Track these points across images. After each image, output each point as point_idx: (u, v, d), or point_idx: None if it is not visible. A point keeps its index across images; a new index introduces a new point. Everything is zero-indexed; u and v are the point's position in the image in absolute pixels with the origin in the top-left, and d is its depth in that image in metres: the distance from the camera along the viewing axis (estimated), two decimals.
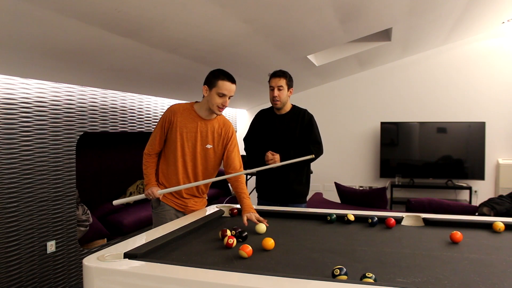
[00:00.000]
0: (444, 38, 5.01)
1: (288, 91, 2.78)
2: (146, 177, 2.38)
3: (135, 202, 4.74)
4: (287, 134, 2.79)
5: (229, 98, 2.28)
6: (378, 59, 5.24)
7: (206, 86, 2.28)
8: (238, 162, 2.39)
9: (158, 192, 2.29)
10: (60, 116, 3.03)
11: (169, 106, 2.40)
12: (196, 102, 2.39)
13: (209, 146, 2.38)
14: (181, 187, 2.30)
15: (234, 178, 2.33)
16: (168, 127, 2.35)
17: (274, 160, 2.68)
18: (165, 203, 2.42)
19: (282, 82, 2.74)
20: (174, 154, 2.36)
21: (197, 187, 2.44)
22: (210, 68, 2.59)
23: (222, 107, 2.27)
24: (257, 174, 2.96)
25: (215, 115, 2.38)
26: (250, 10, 2.46)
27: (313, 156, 2.57)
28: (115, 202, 2.24)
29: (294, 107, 2.89)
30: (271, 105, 2.89)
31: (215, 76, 2.25)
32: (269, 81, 2.79)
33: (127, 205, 4.56)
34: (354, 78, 5.81)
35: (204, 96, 2.31)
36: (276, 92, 2.74)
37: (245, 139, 3.00)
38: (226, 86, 2.23)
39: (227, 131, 2.41)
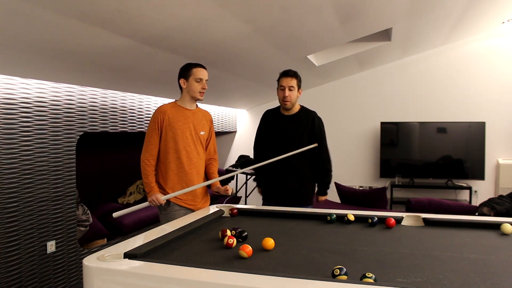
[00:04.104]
0: (444, 38, 5.00)
1: (298, 91, 2.73)
2: (147, 186, 2.42)
3: (135, 201, 4.75)
4: (295, 136, 2.73)
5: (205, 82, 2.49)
6: (378, 59, 5.24)
7: (182, 79, 2.47)
8: (213, 147, 2.67)
9: (162, 198, 2.36)
10: (60, 116, 3.03)
11: (155, 109, 2.51)
12: (176, 100, 2.54)
13: (202, 132, 2.55)
14: (185, 190, 2.37)
15: (208, 158, 2.62)
16: (162, 127, 2.43)
17: None
18: (175, 203, 2.45)
19: (294, 82, 2.68)
20: (169, 151, 2.44)
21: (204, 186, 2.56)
22: (210, 68, 2.61)
23: (203, 91, 2.48)
24: (262, 177, 2.93)
25: (196, 106, 2.57)
26: (250, 10, 2.46)
27: (317, 145, 2.63)
28: (115, 214, 2.28)
29: (302, 108, 2.82)
30: (276, 105, 2.84)
31: (188, 67, 2.46)
32: (279, 80, 2.72)
33: (127, 205, 4.56)
34: (354, 78, 5.81)
35: (182, 90, 2.50)
36: (287, 92, 2.67)
37: (254, 145, 2.96)
38: (200, 72, 2.46)
39: (209, 116, 2.65)
